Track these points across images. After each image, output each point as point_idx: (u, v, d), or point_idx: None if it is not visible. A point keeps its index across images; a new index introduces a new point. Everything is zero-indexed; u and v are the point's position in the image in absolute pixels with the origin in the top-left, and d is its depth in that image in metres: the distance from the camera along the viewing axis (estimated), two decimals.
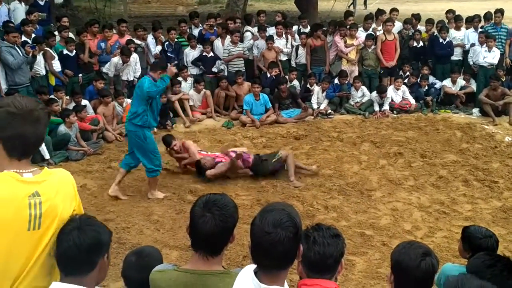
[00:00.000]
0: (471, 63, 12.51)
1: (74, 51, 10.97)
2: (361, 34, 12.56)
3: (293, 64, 12.70)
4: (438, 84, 12.53)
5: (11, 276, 2.46)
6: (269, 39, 12.25)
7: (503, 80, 12.12)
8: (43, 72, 10.49)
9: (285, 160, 8.55)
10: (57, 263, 2.40)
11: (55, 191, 2.58)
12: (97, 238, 2.39)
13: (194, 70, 12.18)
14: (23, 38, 10.34)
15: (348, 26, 12.46)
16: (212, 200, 2.55)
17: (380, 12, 13.23)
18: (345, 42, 12.36)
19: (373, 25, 12.97)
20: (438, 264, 2.88)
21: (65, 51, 10.87)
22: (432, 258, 2.81)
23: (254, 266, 2.43)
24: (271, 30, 12.80)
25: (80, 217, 2.46)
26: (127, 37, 11.77)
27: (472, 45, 12.52)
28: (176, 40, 12.13)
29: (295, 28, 13.16)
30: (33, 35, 10.62)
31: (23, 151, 2.52)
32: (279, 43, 12.52)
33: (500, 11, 12.69)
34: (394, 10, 13.20)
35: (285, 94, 11.62)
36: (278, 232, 2.26)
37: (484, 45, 12.15)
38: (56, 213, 2.55)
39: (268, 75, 11.99)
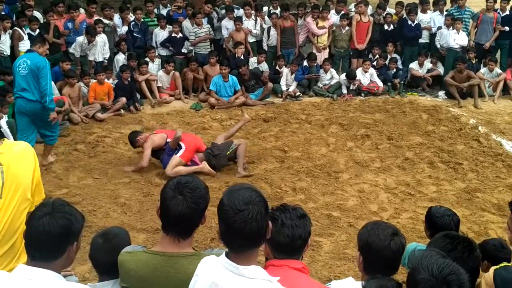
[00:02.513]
0: (438, 46, 12.68)
1: (37, 30, 10.70)
2: (333, 17, 12.60)
3: (265, 46, 12.65)
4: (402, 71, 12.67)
5: None
6: (237, 20, 12.18)
7: (473, 62, 12.32)
8: (8, 52, 10.24)
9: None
10: (25, 245, 2.37)
11: (17, 162, 2.64)
12: (67, 227, 2.35)
13: (163, 51, 12.05)
14: None
15: (321, 8, 12.47)
16: (183, 182, 2.53)
17: None
18: (316, 24, 12.36)
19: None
20: (406, 243, 2.92)
21: (27, 30, 10.60)
22: (401, 237, 2.85)
23: (212, 257, 2.41)
24: (240, 12, 12.72)
25: (53, 202, 2.40)
26: (96, 17, 11.56)
27: (439, 28, 12.68)
28: (142, 20, 11.96)
29: (265, 9, 13.11)
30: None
31: None
32: (248, 24, 12.45)
33: None
34: None
35: (246, 76, 11.57)
36: (250, 209, 2.25)
37: (451, 28, 12.33)
38: (18, 183, 2.62)
39: (236, 56, 11.93)
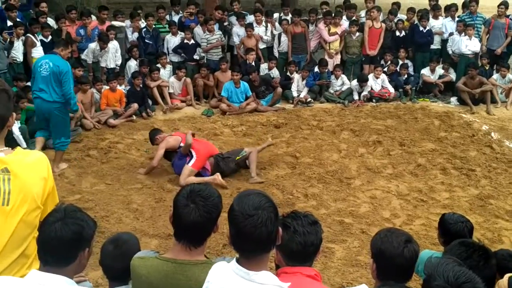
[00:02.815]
0: (450, 52, 12.62)
1: (50, 37, 10.79)
2: (344, 23, 12.60)
3: (275, 52, 12.66)
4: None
5: None
6: (248, 26, 12.21)
7: (486, 68, 12.25)
8: (21, 58, 10.33)
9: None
10: (37, 251, 2.39)
11: (26, 171, 2.65)
12: (79, 233, 2.36)
13: (175, 58, 12.10)
14: (8, 23, 10.29)
15: (333, 14, 12.47)
16: (196, 190, 2.52)
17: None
18: (328, 30, 12.37)
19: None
20: (419, 250, 2.90)
21: (40, 37, 10.68)
22: (414, 245, 2.84)
23: (223, 263, 2.42)
24: (250, 18, 12.75)
25: (65, 208, 2.41)
26: (108, 23, 11.63)
27: (451, 34, 12.64)
28: (154, 26, 12.02)
29: (276, 15, 13.13)
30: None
31: None
32: (258, 30, 12.48)
33: (475, 0, 12.84)
34: None
35: (256, 82, 11.59)
36: (260, 214, 2.27)
37: (463, 34, 12.29)
38: (26, 192, 2.62)
39: (247, 62, 11.95)
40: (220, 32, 12.29)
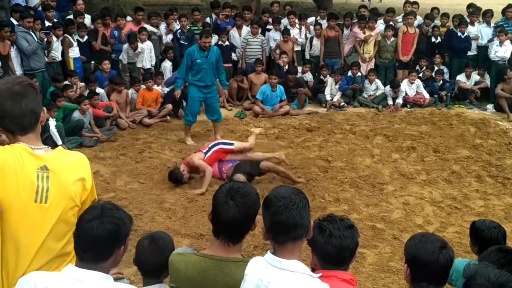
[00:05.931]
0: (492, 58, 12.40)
1: (86, 37, 10.98)
2: (380, 26, 12.55)
3: (307, 55, 12.64)
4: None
5: (23, 248, 2.58)
6: (285, 32, 12.22)
7: None
8: (60, 58, 10.53)
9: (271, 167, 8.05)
10: (74, 247, 2.42)
11: (65, 169, 2.67)
12: (115, 231, 2.38)
13: None
14: (47, 23, 10.52)
15: (367, 18, 12.43)
16: (235, 187, 2.58)
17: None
18: (363, 34, 12.32)
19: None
20: (454, 256, 2.88)
21: (76, 37, 10.87)
22: (449, 250, 2.81)
23: (259, 257, 2.49)
24: (284, 21, 12.77)
25: (102, 206, 2.44)
26: (142, 24, 11.77)
27: (490, 40, 12.43)
28: (189, 28, 12.11)
29: (311, 19, 13.13)
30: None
31: (18, 125, 2.62)
32: (293, 33, 12.48)
33: None
34: (414, 3, 13.16)
35: (292, 83, 11.61)
36: (293, 198, 2.43)
37: (496, 39, 12.10)
38: (64, 190, 2.64)
39: (281, 65, 11.96)
40: (263, 37, 12.33)
